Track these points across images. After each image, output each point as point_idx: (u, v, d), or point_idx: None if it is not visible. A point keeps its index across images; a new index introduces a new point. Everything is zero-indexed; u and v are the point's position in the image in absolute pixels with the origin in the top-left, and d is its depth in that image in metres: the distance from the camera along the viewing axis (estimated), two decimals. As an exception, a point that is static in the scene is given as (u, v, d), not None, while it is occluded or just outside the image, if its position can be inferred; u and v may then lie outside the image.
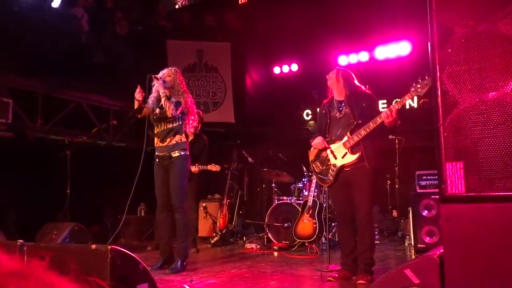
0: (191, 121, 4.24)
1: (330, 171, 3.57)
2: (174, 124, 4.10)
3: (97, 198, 6.57)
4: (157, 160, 4.15)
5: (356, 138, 3.41)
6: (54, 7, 6.00)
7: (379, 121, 3.31)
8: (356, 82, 3.66)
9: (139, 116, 4.17)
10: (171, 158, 4.05)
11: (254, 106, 8.63)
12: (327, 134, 3.63)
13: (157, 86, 4.09)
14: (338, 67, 3.83)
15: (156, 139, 4.14)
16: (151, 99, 4.14)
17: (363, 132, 3.38)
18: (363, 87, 3.65)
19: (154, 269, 3.87)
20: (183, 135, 4.13)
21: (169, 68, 4.23)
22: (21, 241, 2.23)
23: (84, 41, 6.62)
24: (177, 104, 4.02)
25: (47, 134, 6.52)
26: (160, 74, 4.12)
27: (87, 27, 6.68)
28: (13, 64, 6.00)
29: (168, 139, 4.06)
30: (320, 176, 3.68)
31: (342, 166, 3.50)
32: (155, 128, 4.15)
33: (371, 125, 3.34)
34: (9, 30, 5.61)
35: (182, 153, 4.06)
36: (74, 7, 6.51)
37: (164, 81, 4.06)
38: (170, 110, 3.96)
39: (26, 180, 5.82)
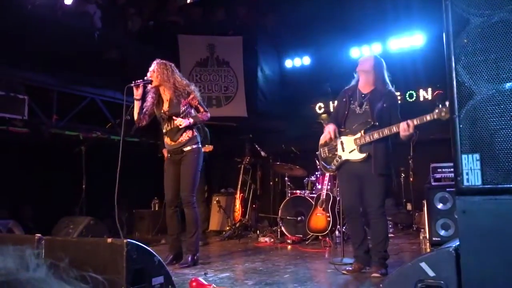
0: (204, 113, 4.09)
1: (335, 161, 3.56)
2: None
3: (111, 192, 6.64)
4: (168, 155, 4.10)
5: (368, 139, 3.38)
6: (67, 5, 6.04)
7: (394, 130, 3.27)
8: (386, 77, 3.56)
9: (140, 124, 4.04)
10: (182, 152, 3.97)
11: (266, 100, 8.61)
12: (342, 125, 3.59)
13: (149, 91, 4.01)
14: (374, 55, 3.68)
15: (166, 138, 4.05)
16: (148, 102, 4.01)
17: (376, 135, 3.35)
18: (390, 85, 3.57)
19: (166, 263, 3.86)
20: (195, 128, 4.06)
21: (153, 63, 4.08)
22: (39, 235, 2.27)
23: (97, 37, 6.67)
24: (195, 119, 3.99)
25: (62, 130, 6.60)
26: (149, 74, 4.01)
27: (100, 24, 6.72)
28: (28, 62, 6.08)
29: (180, 138, 3.97)
30: (324, 163, 3.68)
31: (347, 160, 3.49)
32: (164, 126, 4.05)
33: (386, 131, 3.30)
34: (23, 28, 5.67)
35: (194, 146, 3.98)
36: (87, 4, 6.55)
37: (149, 82, 3.95)
38: (202, 118, 4.01)
39: (42, 175, 5.91)
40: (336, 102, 3.90)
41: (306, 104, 8.35)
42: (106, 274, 1.85)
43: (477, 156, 1.77)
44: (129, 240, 2.01)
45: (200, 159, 4.06)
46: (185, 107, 3.97)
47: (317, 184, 5.99)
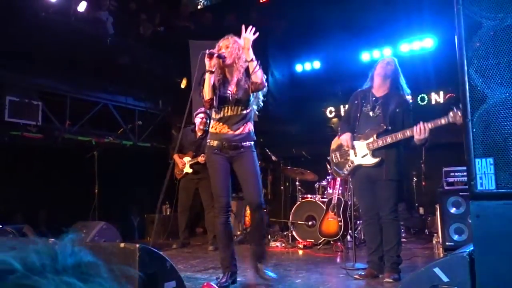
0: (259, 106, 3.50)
1: (347, 166, 3.54)
2: (248, 110, 3.39)
3: (123, 197, 6.70)
4: (216, 150, 3.34)
5: (380, 143, 3.37)
6: (80, 12, 6.13)
7: (408, 134, 3.24)
8: (402, 81, 3.53)
9: (211, 104, 3.28)
10: (241, 148, 3.33)
11: (277, 104, 8.61)
12: (355, 128, 3.58)
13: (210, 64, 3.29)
14: (394, 59, 3.59)
15: (221, 125, 3.35)
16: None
17: (389, 140, 3.32)
18: (405, 90, 3.53)
19: (224, 285, 3.27)
20: (252, 123, 3.48)
21: (225, 37, 3.43)
22: (52, 239, 2.30)
23: (110, 43, 6.75)
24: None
25: (75, 135, 6.69)
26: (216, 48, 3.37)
27: (112, 30, 6.81)
28: (42, 68, 6.18)
29: (241, 127, 3.33)
30: (336, 168, 3.66)
31: (360, 165, 3.47)
32: (223, 111, 3.35)
33: (399, 135, 3.28)
34: (37, 35, 5.77)
35: (253, 143, 3.41)
36: (99, 10, 6.64)
37: (222, 58, 3.31)
38: (260, 75, 3.26)
39: (55, 180, 5.98)
40: (348, 105, 3.85)
41: (317, 108, 8.34)
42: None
43: (490, 160, 1.76)
44: (141, 244, 2.02)
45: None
46: (251, 95, 3.38)
47: (328, 189, 5.97)
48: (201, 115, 5.77)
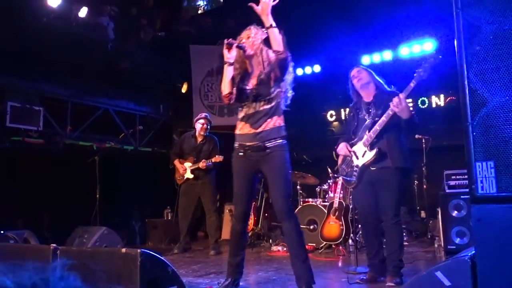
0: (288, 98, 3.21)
1: (354, 172, 3.55)
2: (271, 104, 3.08)
3: (125, 202, 6.71)
4: (240, 152, 3.10)
5: (372, 135, 3.40)
6: (81, 17, 6.16)
7: (391, 113, 3.29)
8: (381, 80, 3.62)
9: (231, 99, 3.06)
10: (266, 149, 3.01)
11: (277, 108, 8.62)
12: (353, 135, 3.61)
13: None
14: (361, 66, 3.75)
15: (243, 124, 3.11)
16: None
17: (377, 128, 3.37)
18: (385, 85, 3.61)
19: None
20: (282, 116, 3.14)
21: (248, 28, 3.19)
22: (54, 245, 2.31)
23: (110, 48, 6.78)
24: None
25: (76, 140, 6.70)
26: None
27: (113, 35, 6.83)
28: (43, 74, 6.21)
29: (263, 124, 3.03)
30: (346, 178, 3.67)
31: (364, 165, 3.48)
32: (244, 109, 3.12)
33: (384, 119, 3.34)
34: (38, 41, 5.80)
35: (282, 141, 3.08)
36: (100, 16, 6.66)
37: (243, 48, 3.07)
38: (282, 43, 2.99)
39: (57, 186, 5.99)
40: (346, 118, 3.97)
41: (318, 112, 8.35)
42: (120, 284, 1.87)
43: (491, 163, 1.76)
44: (143, 250, 2.03)
45: (289, 157, 3.12)
46: (274, 87, 3.09)
47: (330, 192, 5.96)
48: (202, 120, 5.78)
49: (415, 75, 3.30)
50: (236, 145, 3.14)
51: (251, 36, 3.09)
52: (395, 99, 3.24)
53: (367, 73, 3.60)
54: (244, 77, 3.13)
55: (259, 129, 3.02)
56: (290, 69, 3.14)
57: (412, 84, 3.30)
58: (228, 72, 3.03)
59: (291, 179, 3.12)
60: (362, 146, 3.48)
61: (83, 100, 6.90)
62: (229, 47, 3.01)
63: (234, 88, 3.06)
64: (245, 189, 3.13)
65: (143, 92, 7.69)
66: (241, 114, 3.14)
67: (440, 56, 3.32)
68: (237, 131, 3.15)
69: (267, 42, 3.11)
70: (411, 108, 3.34)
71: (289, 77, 3.17)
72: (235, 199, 3.18)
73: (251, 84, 3.09)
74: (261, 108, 3.04)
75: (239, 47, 3.04)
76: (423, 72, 3.27)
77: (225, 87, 3.05)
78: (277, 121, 3.07)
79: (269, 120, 3.04)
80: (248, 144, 3.05)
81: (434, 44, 7.10)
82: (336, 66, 7.96)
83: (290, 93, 3.22)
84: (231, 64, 3.03)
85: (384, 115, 3.33)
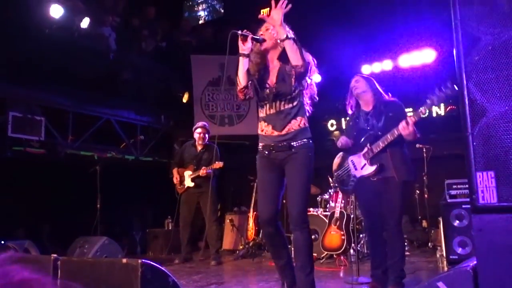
0: (309, 101, 3.07)
1: (350, 181, 3.54)
2: (294, 103, 2.91)
3: (125, 212, 6.70)
4: (265, 152, 2.96)
5: (375, 150, 3.38)
6: (83, 28, 6.21)
7: (396, 133, 3.26)
8: (380, 88, 3.61)
9: (246, 94, 2.93)
10: (291, 149, 2.86)
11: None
12: (355, 145, 3.60)
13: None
14: (360, 75, 3.74)
15: (265, 125, 2.95)
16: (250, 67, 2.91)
17: (381, 144, 3.34)
18: (389, 96, 3.61)
19: None
20: (305, 116, 2.98)
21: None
22: (55, 255, 2.30)
23: (112, 59, 6.82)
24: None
25: (78, 150, 6.72)
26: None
27: (115, 45, 6.88)
28: (45, 84, 6.24)
29: (288, 125, 2.88)
30: (341, 185, 3.66)
31: (362, 177, 3.47)
32: (265, 108, 2.96)
33: (389, 137, 3.30)
34: (40, 51, 5.84)
35: (307, 140, 2.91)
36: (102, 26, 6.72)
37: (260, 41, 2.91)
38: (298, 56, 2.74)
39: (58, 195, 6.00)
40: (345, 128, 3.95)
41: (318, 121, 8.35)
42: (121, 294, 1.86)
43: (492, 173, 1.76)
44: (143, 260, 2.02)
45: (313, 158, 2.94)
46: (295, 84, 2.90)
47: (331, 202, 5.94)
48: (199, 130, 5.80)
49: (428, 101, 3.21)
50: (260, 146, 3.01)
51: (270, 28, 2.92)
52: (403, 123, 3.19)
53: (364, 81, 3.59)
54: (263, 74, 2.98)
55: (283, 131, 2.87)
56: (313, 68, 3.02)
57: (423, 110, 3.24)
58: (244, 64, 2.88)
59: (310, 187, 2.95)
60: (362, 158, 3.47)
61: (84, 110, 6.93)
62: (244, 38, 2.85)
63: (250, 83, 2.91)
64: (264, 194, 2.97)
65: (144, 102, 7.72)
66: (261, 113, 2.99)
67: (457, 88, 3.26)
68: (260, 132, 3.01)
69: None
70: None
71: (313, 77, 3.06)
72: (260, 201, 3.01)
73: (270, 81, 2.94)
74: (283, 108, 2.89)
75: (255, 39, 2.87)
76: (437, 100, 3.20)
77: (241, 79, 2.90)
78: (301, 121, 2.92)
79: (293, 121, 2.89)
80: (272, 144, 2.90)
81: (434, 54, 7.13)
82: (337, 75, 7.99)
83: (315, 89, 3.11)
84: (246, 56, 2.88)
85: (389, 133, 3.29)
